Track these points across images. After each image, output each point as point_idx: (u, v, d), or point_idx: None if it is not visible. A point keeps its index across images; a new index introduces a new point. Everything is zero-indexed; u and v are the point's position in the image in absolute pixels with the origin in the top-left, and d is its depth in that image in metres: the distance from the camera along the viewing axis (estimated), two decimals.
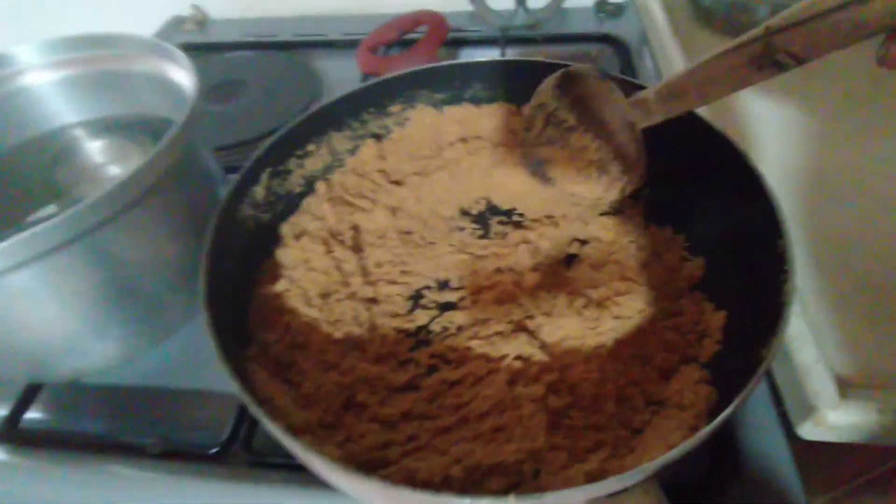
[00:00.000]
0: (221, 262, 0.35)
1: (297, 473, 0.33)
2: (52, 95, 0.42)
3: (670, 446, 0.24)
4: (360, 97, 0.44)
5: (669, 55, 0.58)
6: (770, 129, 0.48)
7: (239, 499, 0.33)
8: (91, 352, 0.37)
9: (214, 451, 0.35)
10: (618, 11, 0.73)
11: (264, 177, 0.40)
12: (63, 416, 0.39)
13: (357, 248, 0.42)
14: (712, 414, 0.29)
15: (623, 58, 0.64)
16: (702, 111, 0.47)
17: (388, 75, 0.43)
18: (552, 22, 0.71)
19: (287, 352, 0.36)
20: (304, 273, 0.39)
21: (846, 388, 0.30)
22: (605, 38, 0.67)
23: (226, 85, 0.65)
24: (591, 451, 0.29)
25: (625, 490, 0.23)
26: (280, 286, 0.37)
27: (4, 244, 0.29)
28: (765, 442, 0.33)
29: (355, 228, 0.43)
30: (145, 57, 0.40)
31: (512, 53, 0.67)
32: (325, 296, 0.38)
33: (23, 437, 0.37)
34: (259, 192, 0.40)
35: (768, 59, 0.25)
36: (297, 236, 0.41)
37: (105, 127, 0.45)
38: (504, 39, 0.67)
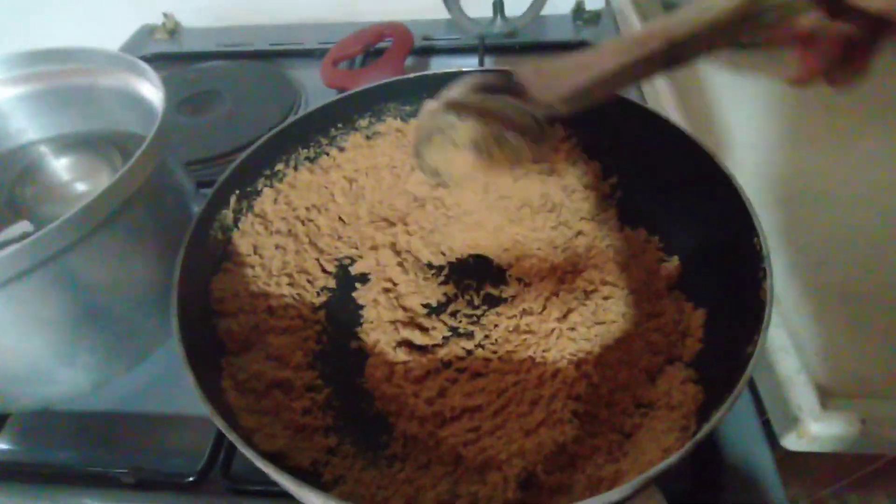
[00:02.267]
0: (193, 291, 0.34)
1: (278, 500, 0.32)
2: (15, 111, 0.41)
3: (665, 449, 0.24)
4: (326, 113, 0.43)
5: None
6: (747, 136, 0.49)
7: None
8: (59, 380, 0.35)
9: (191, 479, 0.33)
10: (595, 18, 0.73)
11: (233, 199, 0.39)
12: (31, 446, 0.37)
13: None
14: (701, 412, 0.29)
15: None
16: (676, 115, 0.48)
17: (355, 90, 0.43)
18: (530, 29, 0.71)
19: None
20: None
21: (828, 398, 0.31)
22: (583, 45, 0.67)
23: (199, 96, 0.63)
24: (586, 458, 0.29)
25: (627, 499, 0.23)
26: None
27: None
28: (749, 450, 0.33)
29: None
30: (111, 71, 0.39)
31: (490, 62, 0.67)
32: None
33: None
34: (228, 215, 0.39)
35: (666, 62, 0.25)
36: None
37: (71, 143, 0.43)
38: (482, 48, 0.67)
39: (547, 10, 0.72)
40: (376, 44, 0.57)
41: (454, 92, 0.29)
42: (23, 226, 0.39)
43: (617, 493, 0.23)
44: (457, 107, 0.28)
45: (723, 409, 0.24)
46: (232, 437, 0.25)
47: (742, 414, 0.34)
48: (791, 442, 0.31)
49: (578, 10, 0.74)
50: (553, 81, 0.27)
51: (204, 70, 0.68)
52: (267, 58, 0.70)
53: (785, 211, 0.41)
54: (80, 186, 0.43)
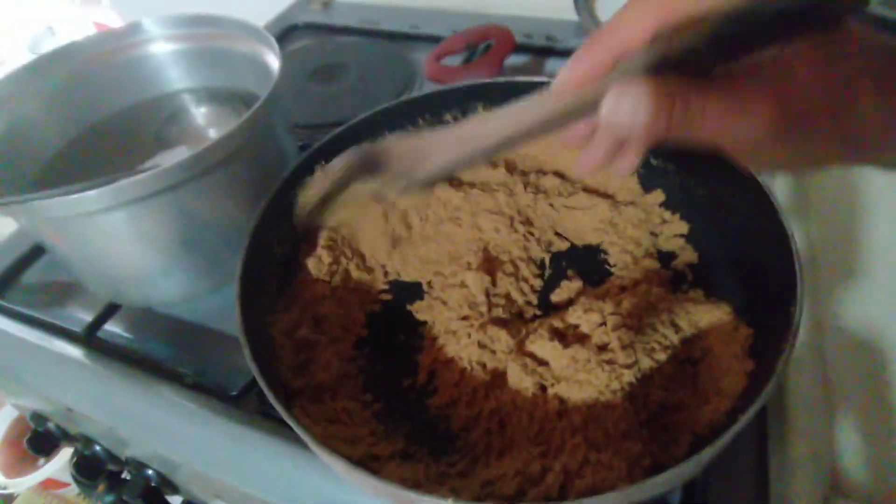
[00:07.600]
0: (265, 244, 0.40)
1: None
2: (170, 64, 0.50)
3: None
4: (417, 103, 0.46)
5: None
6: None
7: (245, 440, 0.38)
8: (158, 286, 0.44)
9: (233, 393, 0.40)
10: None
11: (318, 168, 0.44)
12: (132, 334, 0.46)
13: None
14: None
15: None
16: None
17: (445, 86, 0.45)
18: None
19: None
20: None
21: (835, 495, 0.28)
22: None
23: (331, 67, 0.70)
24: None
25: None
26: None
27: (108, 188, 0.35)
28: None
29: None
30: (244, 39, 0.46)
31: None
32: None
33: (97, 343, 0.45)
34: None
35: None
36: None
37: (209, 96, 0.52)
38: None
39: None
40: (480, 44, 0.59)
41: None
42: (181, 151, 0.47)
43: None
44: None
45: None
46: (260, 382, 0.31)
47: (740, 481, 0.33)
48: None
49: None
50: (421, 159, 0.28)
51: (341, 44, 0.75)
52: (395, 39, 0.75)
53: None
54: (213, 132, 0.51)
